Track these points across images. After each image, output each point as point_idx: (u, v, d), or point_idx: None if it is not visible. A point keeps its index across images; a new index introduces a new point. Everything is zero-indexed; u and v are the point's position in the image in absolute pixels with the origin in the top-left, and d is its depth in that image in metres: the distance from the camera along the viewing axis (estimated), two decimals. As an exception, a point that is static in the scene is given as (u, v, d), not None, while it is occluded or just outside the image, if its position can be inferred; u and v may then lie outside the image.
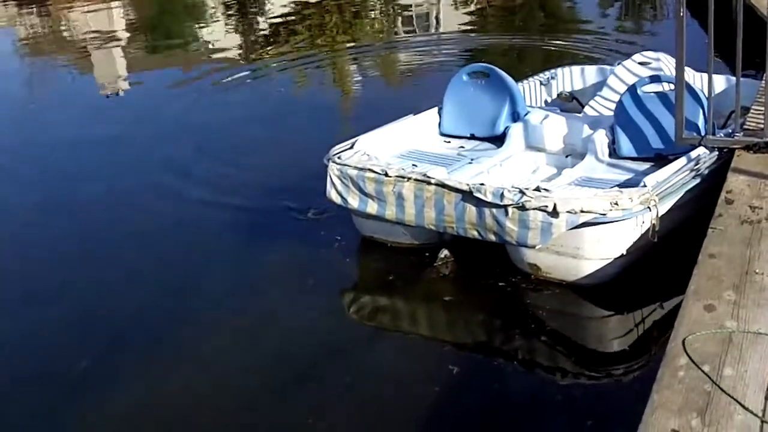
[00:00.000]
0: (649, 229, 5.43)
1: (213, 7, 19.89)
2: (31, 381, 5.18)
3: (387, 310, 5.97)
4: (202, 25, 18.19)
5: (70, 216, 7.74)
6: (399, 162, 6.56)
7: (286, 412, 4.71)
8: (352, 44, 15.28)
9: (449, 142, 7.35)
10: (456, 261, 6.02)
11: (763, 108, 5.98)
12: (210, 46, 16.09)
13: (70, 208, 7.95)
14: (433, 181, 5.78)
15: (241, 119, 10.34)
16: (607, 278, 5.56)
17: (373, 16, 18.27)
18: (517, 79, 7.63)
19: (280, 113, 10.57)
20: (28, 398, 5.02)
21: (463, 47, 14.21)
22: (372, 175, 6.00)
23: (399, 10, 18.27)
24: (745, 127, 6.13)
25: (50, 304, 6.08)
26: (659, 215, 5.40)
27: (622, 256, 5.49)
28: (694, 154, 5.90)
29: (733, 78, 6.13)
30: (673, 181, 5.63)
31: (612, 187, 5.80)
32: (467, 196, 5.61)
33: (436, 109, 7.48)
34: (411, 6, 18.21)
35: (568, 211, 5.28)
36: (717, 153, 5.91)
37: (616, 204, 5.29)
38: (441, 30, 16.53)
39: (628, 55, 8.24)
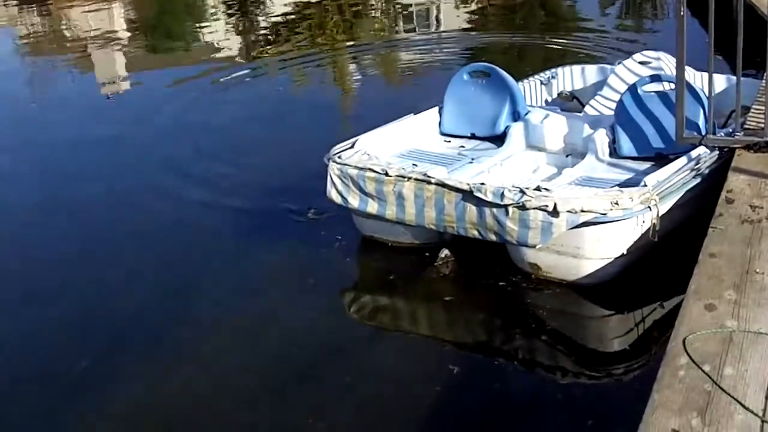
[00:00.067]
0: (649, 228, 5.42)
1: (213, 7, 19.88)
2: (31, 381, 5.18)
3: (387, 310, 5.97)
4: (202, 24, 18.18)
5: (70, 216, 7.73)
6: (399, 161, 6.55)
7: (286, 412, 4.71)
8: (353, 43, 15.27)
9: (450, 141, 7.34)
10: (456, 260, 6.02)
11: (763, 107, 5.97)
12: (210, 46, 16.08)
13: (70, 208, 7.94)
14: (433, 180, 5.77)
15: (241, 118, 10.34)
16: (607, 278, 5.55)
17: (373, 14, 18.27)
18: (518, 79, 7.63)
19: (280, 112, 10.57)
20: (28, 398, 5.02)
21: (463, 46, 14.20)
22: (372, 174, 6.00)
23: (399, 9, 18.25)
24: (746, 126, 6.13)
25: (50, 304, 6.08)
26: (660, 215, 5.40)
27: (622, 255, 5.48)
28: (694, 153, 5.89)
29: (734, 77, 6.12)
30: (673, 180, 5.63)
31: (612, 187, 5.80)
32: (468, 195, 5.61)
33: (436, 108, 7.48)
34: (411, 5, 18.20)
35: (568, 211, 5.28)
36: (717, 152, 5.91)
37: (617, 203, 5.28)
38: (441, 29, 16.53)
39: (629, 55, 8.23)
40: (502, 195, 5.44)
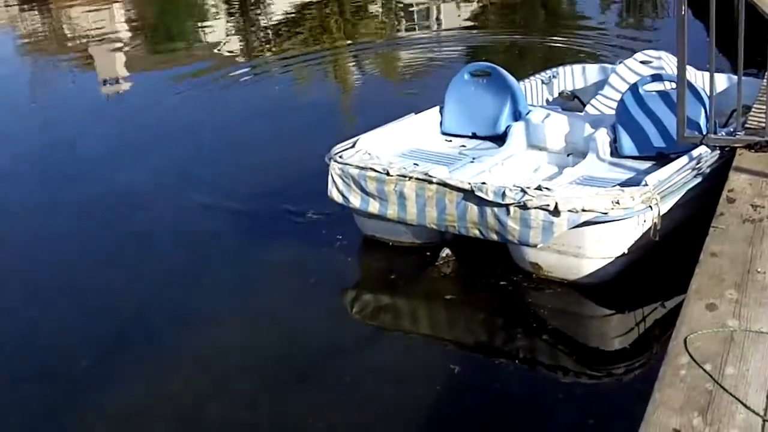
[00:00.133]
0: (650, 227, 5.42)
1: (214, 6, 19.89)
2: (31, 381, 5.18)
3: (388, 310, 5.96)
4: (203, 23, 18.19)
5: (70, 216, 7.73)
6: (400, 161, 6.55)
7: (286, 412, 4.70)
8: (353, 42, 15.28)
9: (451, 141, 7.34)
10: (457, 260, 6.01)
11: (764, 107, 5.97)
12: (211, 45, 16.09)
13: (70, 208, 7.94)
14: (434, 180, 5.77)
15: (241, 118, 10.35)
16: (608, 277, 5.55)
17: (373, 13, 18.27)
18: (519, 78, 7.62)
19: (280, 112, 10.56)
20: (28, 398, 5.01)
21: (464, 45, 14.21)
22: (373, 174, 5.99)
23: (400, 8, 18.26)
24: (747, 125, 6.11)
25: (50, 303, 6.08)
26: (661, 214, 5.39)
27: (623, 255, 5.48)
28: (695, 152, 5.88)
29: (735, 77, 6.11)
30: (674, 179, 5.62)
31: (613, 186, 5.79)
32: (469, 195, 5.61)
33: (437, 108, 7.48)
34: (412, 4, 18.21)
35: (569, 210, 5.27)
36: (718, 152, 5.90)
37: (618, 203, 5.28)
38: (442, 28, 16.53)
39: (630, 54, 8.23)
40: (504, 194, 5.44)
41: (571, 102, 8.06)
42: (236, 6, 19.66)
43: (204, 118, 10.54)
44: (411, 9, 18.05)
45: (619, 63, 7.98)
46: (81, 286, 6.38)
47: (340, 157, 6.24)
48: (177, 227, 7.29)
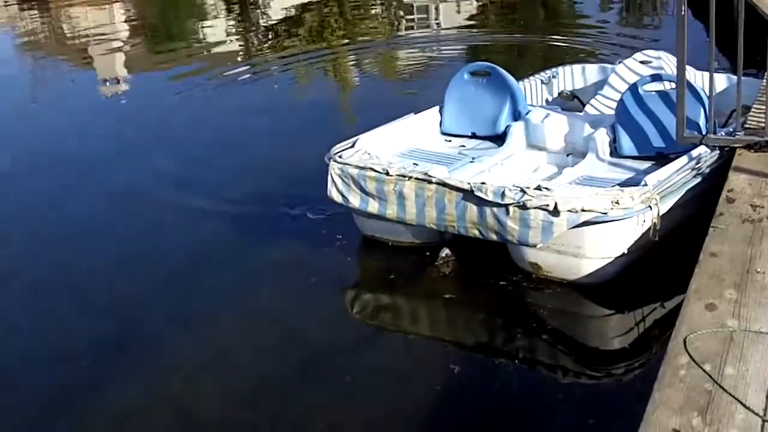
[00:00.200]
0: (650, 227, 5.42)
1: (213, 6, 19.88)
2: (31, 381, 5.17)
3: (388, 309, 5.96)
4: (203, 23, 18.18)
5: (70, 216, 7.73)
6: (400, 161, 6.55)
7: (286, 412, 4.70)
8: (353, 42, 15.27)
9: (450, 140, 7.34)
10: (457, 260, 6.01)
11: (764, 107, 5.97)
12: (210, 45, 16.08)
13: (69, 207, 7.94)
14: (434, 180, 5.77)
15: (241, 118, 10.34)
16: (608, 277, 5.55)
17: (373, 13, 18.26)
18: (518, 78, 7.62)
19: (280, 111, 10.57)
20: (28, 398, 5.01)
21: (463, 45, 14.21)
22: (373, 174, 5.99)
23: (400, 8, 18.25)
24: (746, 125, 6.12)
25: (50, 304, 6.07)
26: (660, 214, 5.39)
27: (623, 255, 5.48)
28: (695, 152, 5.89)
29: (734, 77, 6.12)
30: (674, 179, 5.62)
31: (613, 186, 5.79)
32: (468, 195, 5.61)
33: (437, 107, 7.48)
34: (412, 4, 18.20)
35: (569, 210, 5.27)
36: (718, 152, 5.90)
37: (617, 203, 5.28)
38: (441, 28, 16.53)
39: (630, 53, 8.23)
40: (503, 194, 5.44)
41: (571, 102, 8.06)
42: (236, 6, 19.65)
43: (203, 117, 10.54)
44: (411, 8, 18.05)
45: (619, 63, 7.99)
46: (81, 286, 6.37)
47: (340, 156, 6.24)
48: (177, 227, 7.28)
